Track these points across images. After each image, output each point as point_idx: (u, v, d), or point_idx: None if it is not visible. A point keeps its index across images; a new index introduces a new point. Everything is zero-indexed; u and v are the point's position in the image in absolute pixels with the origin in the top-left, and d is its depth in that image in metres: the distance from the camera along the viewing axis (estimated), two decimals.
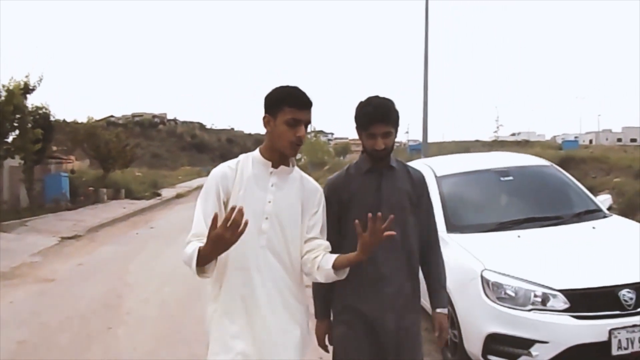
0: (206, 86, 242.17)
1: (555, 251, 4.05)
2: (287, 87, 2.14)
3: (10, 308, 6.22)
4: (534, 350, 3.55)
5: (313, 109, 2.17)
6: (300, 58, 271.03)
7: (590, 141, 76.35)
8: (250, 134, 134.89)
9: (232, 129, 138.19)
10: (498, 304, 3.69)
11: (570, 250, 4.08)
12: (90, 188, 19.09)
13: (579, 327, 3.49)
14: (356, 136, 2.46)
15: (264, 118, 2.14)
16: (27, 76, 13.47)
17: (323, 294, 2.46)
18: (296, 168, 2.25)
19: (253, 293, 2.08)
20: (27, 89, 13.40)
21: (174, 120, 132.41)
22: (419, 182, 2.46)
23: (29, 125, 13.31)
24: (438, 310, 2.43)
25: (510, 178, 5.13)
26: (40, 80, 13.83)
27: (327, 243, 2.21)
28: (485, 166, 5.43)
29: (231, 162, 2.20)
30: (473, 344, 3.87)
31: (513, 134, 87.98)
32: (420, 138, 19.39)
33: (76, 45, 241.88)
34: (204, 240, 1.89)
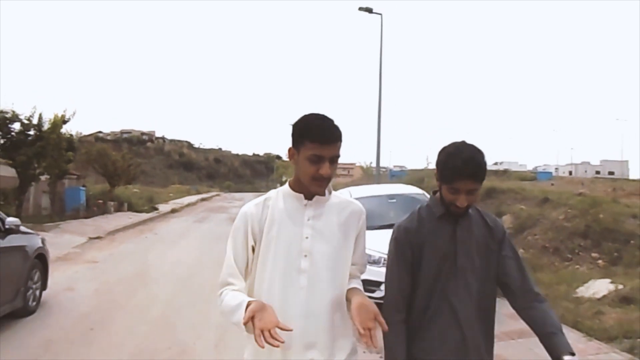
0: (195, 105, 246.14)
1: None
2: (312, 117, 1.95)
3: (77, 274, 9.51)
4: (381, 287, 6.96)
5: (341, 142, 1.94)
6: (290, 76, 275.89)
7: (570, 172, 79.39)
8: (237, 155, 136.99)
9: (220, 148, 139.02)
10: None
11: None
12: (100, 201, 22.32)
13: None
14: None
15: (289, 150, 1.98)
16: (64, 111, 16.99)
17: (400, 348, 2.18)
18: (335, 192, 2.10)
19: (293, 343, 1.89)
20: (63, 120, 16.87)
21: (162, 138, 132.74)
22: (496, 227, 2.25)
23: (64, 149, 16.73)
24: (565, 357, 1.95)
25: (394, 200, 8.62)
26: (74, 114, 17.38)
27: (357, 269, 2.16)
28: (382, 192, 8.93)
29: (259, 200, 2.05)
30: None
31: (495, 163, 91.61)
32: (405, 164, 22.00)
33: (65, 60, 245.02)
34: (238, 284, 1.95)
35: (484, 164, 2.09)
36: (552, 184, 24.55)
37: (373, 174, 44.09)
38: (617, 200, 14.62)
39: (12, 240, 6.16)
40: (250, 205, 2.05)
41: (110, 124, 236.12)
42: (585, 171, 77.31)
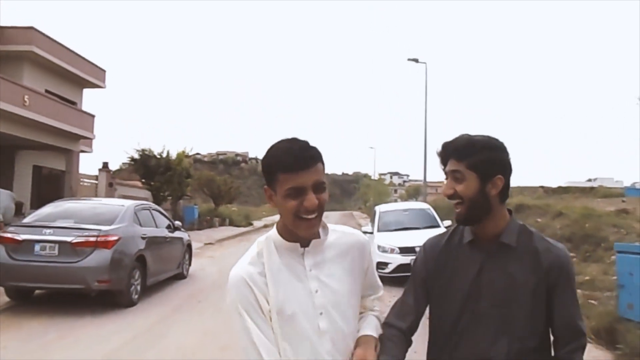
0: (286, 126, 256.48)
1: (404, 236, 11.83)
2: (278, 144, 1.59)
3: (203, 263, 14.52)
4: (389, 266, 11.34)
5: (323, 162, 1.62)
6: (364, 106, 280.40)
7: None
8: (327, 174, 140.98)
9: None
10: (380, 252, 11.48)
11: (409, 236, 11.85)
12: (208, 217, 27.88)
13: (402, 258, 11.23)
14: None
15: (265, 191, 1.63)
16: (185, 147, 22.74)
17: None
18: (331, 227, 1.75)
19: None
20: (185, 155, 22.58)
21: (255, 158, 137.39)
22: (553, 266, 1.65)
23: (184, 176, 22.39)
24: None
25: (407, 213, 13.01)
26: (192, 149, 23.05)
27: (371, 299, 1.84)
28: (399, 208, 13.38)
29: (250, 257, 1.68)
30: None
31: (589, 180, 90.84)
32: None
33: (170, 89, 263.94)
34: None
35: (475, 144, 1.67)
36: (623, 201, 25.54)
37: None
38: (618, 214, 17.95)
39: (177, 234, 11.19)
40: (243, 265, 1.67)
41: (207, 146, 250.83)
42: None
